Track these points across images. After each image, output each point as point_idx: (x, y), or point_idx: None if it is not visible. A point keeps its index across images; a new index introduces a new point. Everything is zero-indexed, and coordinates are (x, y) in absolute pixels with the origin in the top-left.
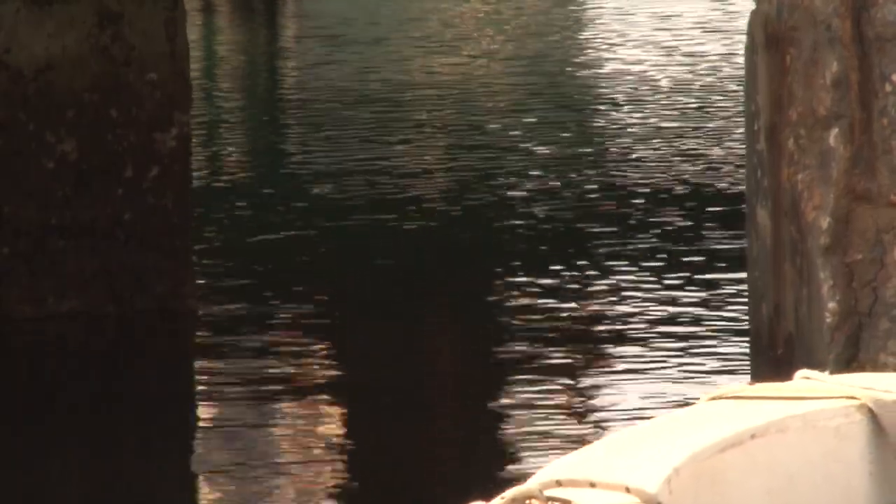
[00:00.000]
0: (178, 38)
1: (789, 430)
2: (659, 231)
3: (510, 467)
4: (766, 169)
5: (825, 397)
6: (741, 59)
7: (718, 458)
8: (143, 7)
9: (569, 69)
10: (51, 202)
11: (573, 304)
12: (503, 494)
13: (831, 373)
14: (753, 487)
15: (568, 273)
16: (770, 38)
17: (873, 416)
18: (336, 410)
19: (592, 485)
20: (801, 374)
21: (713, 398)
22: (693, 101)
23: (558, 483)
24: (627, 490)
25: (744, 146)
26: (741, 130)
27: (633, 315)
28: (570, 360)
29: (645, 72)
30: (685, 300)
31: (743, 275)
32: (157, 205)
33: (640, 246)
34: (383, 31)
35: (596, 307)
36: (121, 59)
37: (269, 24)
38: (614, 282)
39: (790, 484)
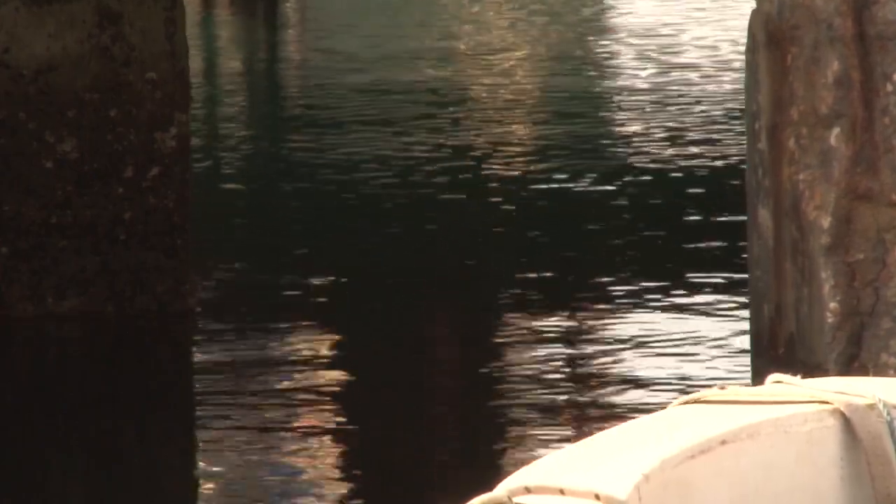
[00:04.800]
0: (177, 38)
1: (761, 434)
2: (660, 229)
3: (510, 471)
4: (767, 168)
5: (797, 402)
6: None
7: (689, 464)
8: (142, 6)
9: (585, 59)
10: (51, 202)
11: (575, 302)
12: (472, 501)
13: (833, 372)
14: (724, 493)
15: (569, 270)
16: (771, 37)
17: (846, 421)
18: (336, 409)
19: (562, 491)
20: (773, 378)
21: (684, 402)
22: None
23: (527, 490)
24: (597, 497)
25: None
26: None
27: (633, 314)
28: (571, 359)
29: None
30: (686, 300)
31: (744, 275)
32: (157, 204)
33: (640, 245)
34: (383, 29)
35: (597, 305)
36: (121, 58)
37: (270, 23)
38: (615, 280)
39: (761, 489)
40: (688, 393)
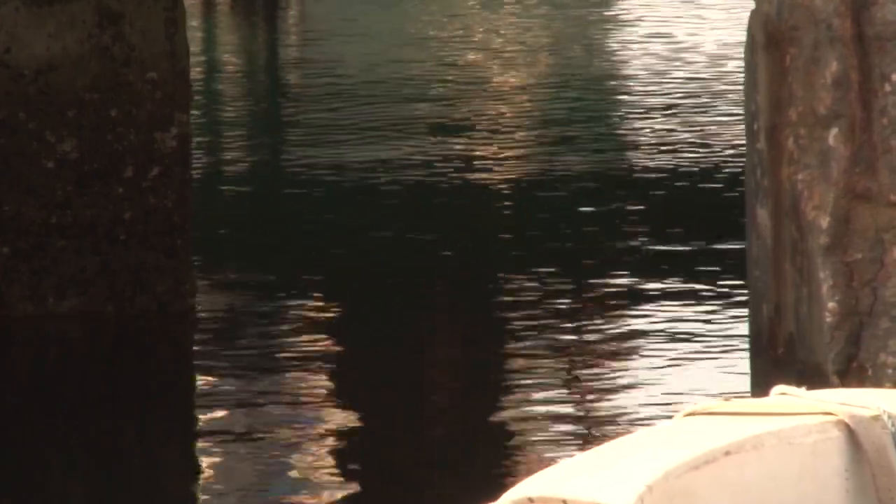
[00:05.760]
0: (177, 38)
1: (764, 446)
2: (663, 229)
3: (510, 471)
4: (765, 168)
5: (801, 413)
6: None
7: (692, 475)
8: (143, 6)
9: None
10: (51, 202)
11: (577, 303)
12: None
13: (832, 372)
14: None
15: (571, 270)
16: (770, 38)
17: (850, 433)
18: (336, 410)
19: (564, 502)
20: (778, 389)
21: (688, 414)
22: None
23: (530, 500)
24: None
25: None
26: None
27: (637, 316)
28: (573, 360)
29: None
30: (686, 301)
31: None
32: (157, 204)
33: (644, 245)
34: (382, 29)
35: (600, 306)
36: (121, 58)
37: (270, 23)
38: (618, 281)
39: (765, 501)
40: (692, 400)
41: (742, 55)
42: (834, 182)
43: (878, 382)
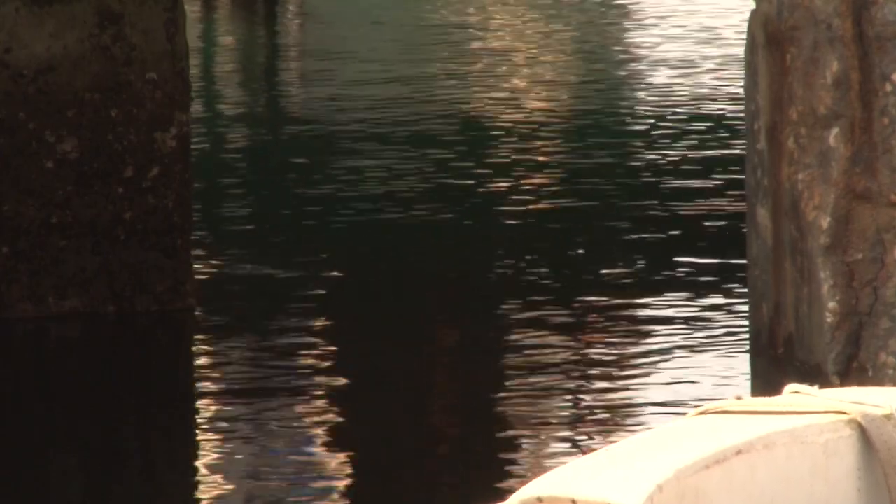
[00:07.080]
0: (177, 38)
1: (776, 445)
2: (665, 229)
3: (511, 472)
4: (766, 168)
5: (814, 412)
6: None
7: (703, 474)
8: (143, 7)
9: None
10: (51, 201)
11: (579, 303)
12: None
13: (832, 372)
14: None
15: (573, 271)
16: (770, 38)
17: (862, 432)
18: (336, 409)
19: (574, 502)
20: (791, 388)
21: (700, 413)
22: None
23: (539, 500)
24: None
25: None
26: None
27: (640, 317)
28: (573, 360)
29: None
30: (686, 301)
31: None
32: (157, 204)
33: (647, 246)
34: (383, 26)
35: (603, 307)
36: (121, 58)
37: (269, 22)
38: (621, 281)
39: (777, 500)
40: (701, 400)
41: None
42: (834, 182)
43: (878, 383)
